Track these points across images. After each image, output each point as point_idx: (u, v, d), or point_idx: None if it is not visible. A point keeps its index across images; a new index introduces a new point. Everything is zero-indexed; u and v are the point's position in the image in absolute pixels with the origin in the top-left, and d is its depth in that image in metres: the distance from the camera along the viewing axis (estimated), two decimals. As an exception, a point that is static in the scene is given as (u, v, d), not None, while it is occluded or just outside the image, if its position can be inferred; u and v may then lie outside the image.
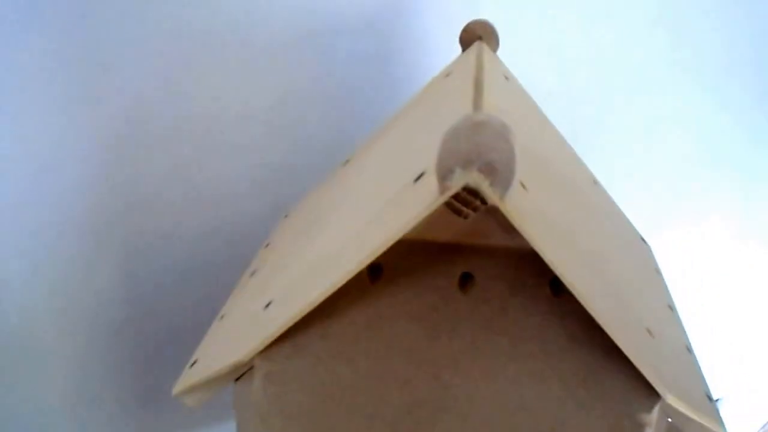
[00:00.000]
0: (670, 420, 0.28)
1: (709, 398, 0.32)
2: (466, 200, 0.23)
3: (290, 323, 0.26)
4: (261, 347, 0.26)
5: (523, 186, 0.26)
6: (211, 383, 0.29)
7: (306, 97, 0.49)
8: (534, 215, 0.25)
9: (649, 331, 0.29)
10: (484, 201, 0.23)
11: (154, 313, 0.48)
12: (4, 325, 0.43)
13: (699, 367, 0.35)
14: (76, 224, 0.44)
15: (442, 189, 0.23)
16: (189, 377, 0.30)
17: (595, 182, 0.44)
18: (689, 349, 0.36)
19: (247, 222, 0.49)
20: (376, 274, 0.27)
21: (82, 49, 0.41)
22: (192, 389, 0.30)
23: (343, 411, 0.25)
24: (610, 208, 0.42)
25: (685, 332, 0.38)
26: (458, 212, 0.23)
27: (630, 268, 0.36)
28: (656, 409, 0.26)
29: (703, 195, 0.73)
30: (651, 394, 0.26)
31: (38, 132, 0.41)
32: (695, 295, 0.74)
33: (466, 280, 0.27)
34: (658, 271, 0.42)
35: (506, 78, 0.40)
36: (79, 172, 0.43)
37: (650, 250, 0.45)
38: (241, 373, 0.30)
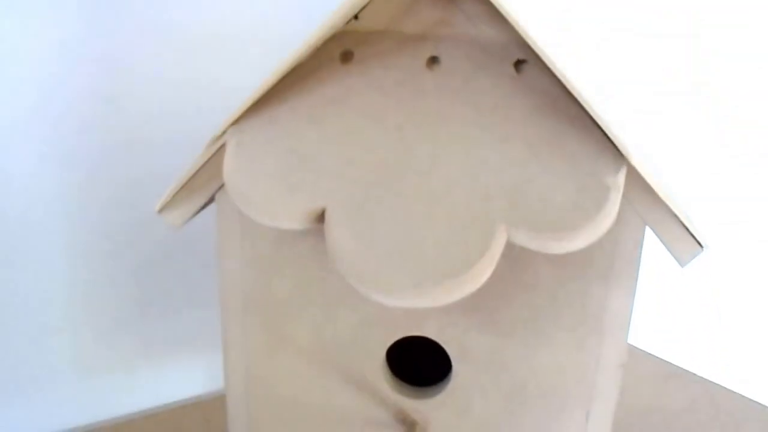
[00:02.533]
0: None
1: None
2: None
3: (259, 94, 0.27)
4: (233, 119, 0.27)
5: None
6: (191, 188, 0.30)
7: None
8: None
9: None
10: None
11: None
12: (7, 224, 0.45)
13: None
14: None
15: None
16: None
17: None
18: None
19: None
20: (348, 59, 0.28)
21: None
22: (173, 199, 0.31)
23: (309, 172, 0.26)
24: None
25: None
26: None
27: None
28: (622, 172, 0.26)
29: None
30: (617, 157, 0.26)
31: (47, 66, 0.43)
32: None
33: (433, 62, 0.28)
34: None
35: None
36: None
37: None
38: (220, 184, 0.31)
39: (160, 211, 0.31)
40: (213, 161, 0.30)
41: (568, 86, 0.25)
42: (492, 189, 0.25)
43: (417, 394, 0.33)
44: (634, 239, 0.30)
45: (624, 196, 0.29)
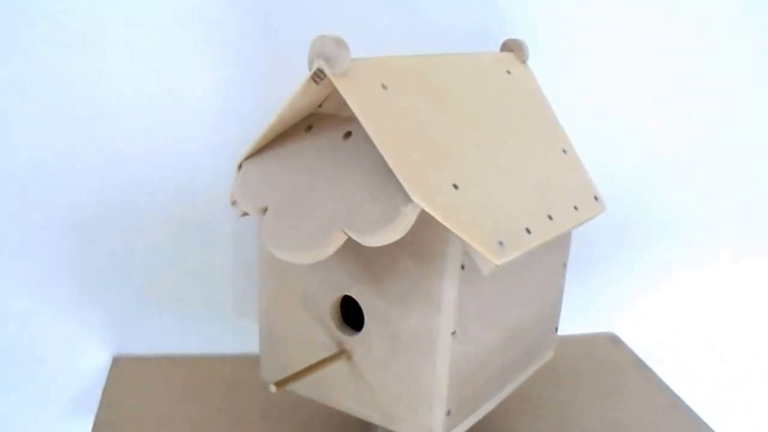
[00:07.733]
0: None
1: (528, 230, 0.47)
2: (320, 75, 0.46)
3: (261, 143, 0.51)
4: (247, 155, 0.51)
5: (384, 87, 0.47)
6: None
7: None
8: (369, 96, 0.46)
9: (455, 186, 0.46)
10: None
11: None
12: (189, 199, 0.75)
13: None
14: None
15: (310, 69, 0.46)
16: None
17: (565, 151, 0.58)
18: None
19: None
20: (309, 130, 0.50)
21: None
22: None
23: (265, 186, 0.49)
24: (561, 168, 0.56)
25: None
26: (317, 82, 0.46)
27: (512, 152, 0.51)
28: (411, 206, 0.43)
29: None
30: (407, 197, 0.43)
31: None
32: None
33: (348, 135, 0.48)
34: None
35: (508, 72, 0.59)
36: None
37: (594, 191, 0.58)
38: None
39: (232, 204, 0.57)
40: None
41: (386, 156, 0.44)
42: (338, 208, 0.45)
43: (350, 333, 0.53)
44: (455, 249, 0.46)
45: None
